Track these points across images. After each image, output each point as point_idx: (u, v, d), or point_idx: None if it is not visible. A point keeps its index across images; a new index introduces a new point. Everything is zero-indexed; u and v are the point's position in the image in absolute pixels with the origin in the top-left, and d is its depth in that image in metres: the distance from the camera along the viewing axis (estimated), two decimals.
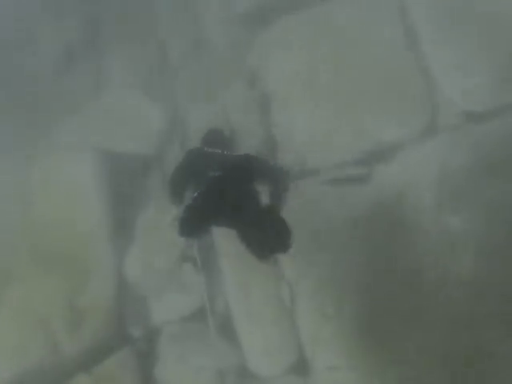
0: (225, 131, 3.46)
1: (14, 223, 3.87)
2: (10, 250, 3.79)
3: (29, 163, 4.07)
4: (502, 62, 3.38)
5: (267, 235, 2.62)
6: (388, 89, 3.52)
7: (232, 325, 3.41)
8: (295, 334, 3.27)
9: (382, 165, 3.43)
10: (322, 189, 3.50)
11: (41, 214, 3.89)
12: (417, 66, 3.54)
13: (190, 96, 4.25)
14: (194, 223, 2.77)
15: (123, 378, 3.50)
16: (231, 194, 2.72)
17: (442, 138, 3.38)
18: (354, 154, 3.50)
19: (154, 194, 3.91)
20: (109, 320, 3.62)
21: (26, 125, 4.39)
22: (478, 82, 3.41)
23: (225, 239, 3.49)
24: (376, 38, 3.63)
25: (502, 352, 2.87)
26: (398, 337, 3.05)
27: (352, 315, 3.13)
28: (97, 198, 3.87)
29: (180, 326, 3.51)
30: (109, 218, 3.85)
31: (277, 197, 2.82)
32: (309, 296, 3.27)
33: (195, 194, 2.75)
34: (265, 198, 2.84)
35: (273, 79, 3.92)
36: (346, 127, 3.56)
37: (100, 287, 3.68)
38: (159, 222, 3.75)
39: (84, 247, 3.77)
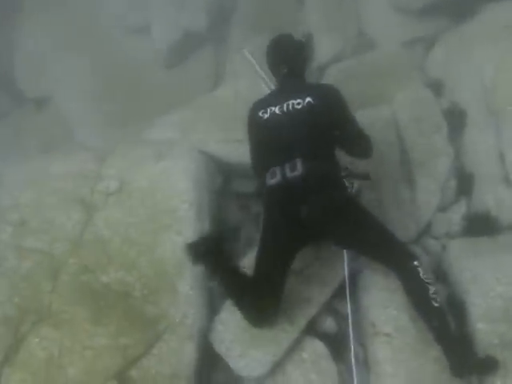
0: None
1: (66, 236, 2.62)
2: (50, 275, 2.51)
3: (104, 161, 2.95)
4: None
5: None
6: None
7: None
8: None
9: None
10: None
11: (104, 226, 2.64)
12: None
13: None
14: None
15: None
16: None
17: None
18: None
19: None
20: None
21: (120, 118, 3.63)
22: None
23: None
24: None
25: None
26: None
27: None
28: (193, 218, 2.60)
29: None
30: None
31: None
32: None
33: None
34: None
35: (470, 85, 2.77)
36: None
37: (173, 353, 2.26)
38: None
39: (158, 287, 2.43)
